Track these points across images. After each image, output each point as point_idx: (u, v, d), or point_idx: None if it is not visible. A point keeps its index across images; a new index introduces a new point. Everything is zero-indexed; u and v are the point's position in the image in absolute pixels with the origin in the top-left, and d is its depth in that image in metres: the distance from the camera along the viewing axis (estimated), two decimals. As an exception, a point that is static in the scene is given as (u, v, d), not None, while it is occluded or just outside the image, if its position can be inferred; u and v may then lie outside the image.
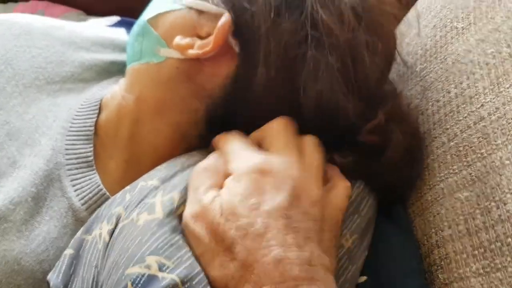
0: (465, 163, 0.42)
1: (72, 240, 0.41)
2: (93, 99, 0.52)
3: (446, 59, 0.49)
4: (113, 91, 0.51)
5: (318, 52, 0.43)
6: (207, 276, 0.35)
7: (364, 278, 0.43)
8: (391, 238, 0.46)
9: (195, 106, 0.47)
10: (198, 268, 0.35)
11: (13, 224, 0.43)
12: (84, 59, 0.55)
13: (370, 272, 0.44)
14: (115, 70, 0.57)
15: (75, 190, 0.46)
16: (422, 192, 0.46)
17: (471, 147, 0.42)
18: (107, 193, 0.47)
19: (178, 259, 0.35)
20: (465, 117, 0.43)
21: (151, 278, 0.33)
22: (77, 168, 0.47)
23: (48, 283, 0.39)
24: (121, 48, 0.59)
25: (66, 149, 0.48)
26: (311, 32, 0.43)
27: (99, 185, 0.47)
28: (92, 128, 0.49)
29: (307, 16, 0.43)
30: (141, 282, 0.32)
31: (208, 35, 0.45)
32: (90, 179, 0.47)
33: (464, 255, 0.40)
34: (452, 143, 0.44)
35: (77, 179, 0.47)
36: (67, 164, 0.47)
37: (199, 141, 0.48)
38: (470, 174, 0.41)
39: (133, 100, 0.48)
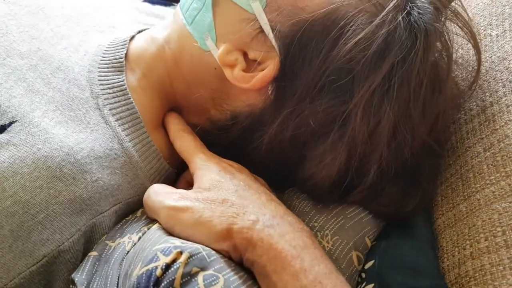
0: (503, 174, 0.41)
1: (97, 244, 0.44)
2: (121, 37, 0.53)
3: (479, 67, 0.48)
4: (153, 31, 0.53)
5: (333, 146, 0.43)
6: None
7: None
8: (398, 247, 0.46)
9: (217, 109, 0.49)
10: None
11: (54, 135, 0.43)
12: (116, 12, 0.58)
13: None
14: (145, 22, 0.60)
15: (116, 120, 0.47)
16: (455, 203, 0.46)
17: (509, 157, 0.41)
18: (145, 128, 0.48)
19: None
20: (502, 126, 0.42)
21: (178, 247, 0.37)
22: (113, 97, 0.48)
23: (73, 281, 0.41)
24: (160, 16, 0.62)
25: (100, 80, 0.48)
26: (338, 126, 0.43)
27: (138, 117, 0.48)
28: (123, 60, 0.50)
29: (344, 111, 0.42)
30: (170, 250, 0.37)
31: (253, 61, 0.45)
32: (128, 109, 0.48)
33: (501, 268, 0.39)
34: (488, 153, 0.43)
35: (115, 107, 0.48)
36: (103, 94, 0.48)
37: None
38: (509, 184, 0.40)
39: (171, 56, 0.50)
